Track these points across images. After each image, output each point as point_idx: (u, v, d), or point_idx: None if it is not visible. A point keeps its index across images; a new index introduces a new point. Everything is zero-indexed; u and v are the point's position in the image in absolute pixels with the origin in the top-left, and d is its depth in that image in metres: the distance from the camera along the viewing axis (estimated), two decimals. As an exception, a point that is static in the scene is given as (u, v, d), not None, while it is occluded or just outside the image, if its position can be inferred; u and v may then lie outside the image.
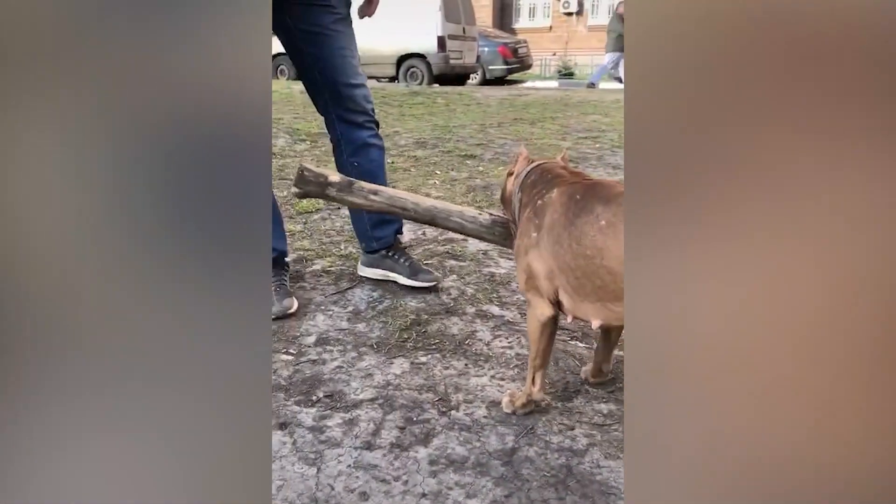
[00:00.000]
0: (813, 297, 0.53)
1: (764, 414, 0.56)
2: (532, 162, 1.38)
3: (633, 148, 0.59)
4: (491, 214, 1.52)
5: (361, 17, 1.92)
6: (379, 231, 1.98)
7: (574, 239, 1.13)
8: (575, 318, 1.22)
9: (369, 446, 1.21)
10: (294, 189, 1.54)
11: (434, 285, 1.97)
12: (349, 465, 1.15)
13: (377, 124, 1.91)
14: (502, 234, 1.47)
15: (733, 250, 0.56)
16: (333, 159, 1.94)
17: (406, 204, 1.50)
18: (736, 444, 0.57)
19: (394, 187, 3.16)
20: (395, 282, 1.99)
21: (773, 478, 0.56)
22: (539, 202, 1.24)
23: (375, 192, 1.52)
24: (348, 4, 1.83)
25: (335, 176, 1.53)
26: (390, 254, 2.00)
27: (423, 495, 1.08)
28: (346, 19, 1.82)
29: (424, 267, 2.01)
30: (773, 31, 0.53)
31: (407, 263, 1.99)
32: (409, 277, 1.97)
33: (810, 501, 0.55)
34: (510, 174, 1.41)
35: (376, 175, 1.89)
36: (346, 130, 1.85)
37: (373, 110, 1.88)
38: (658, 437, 0.59)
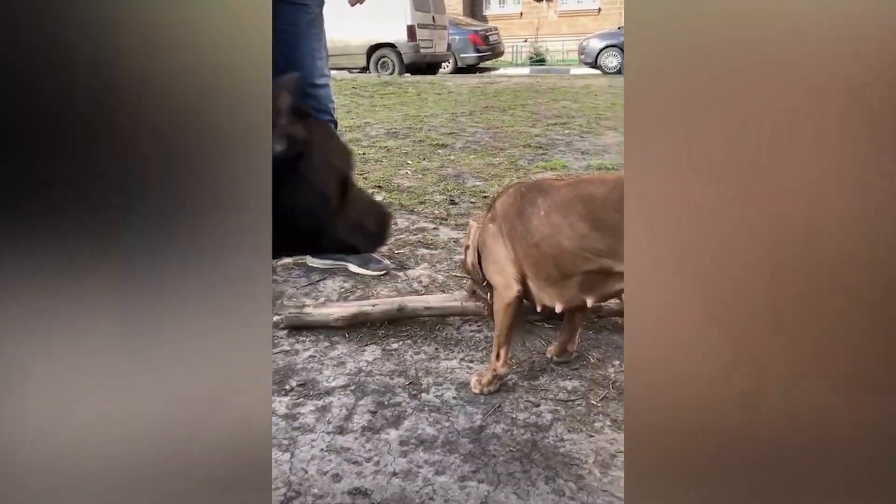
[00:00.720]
0: (813, 283, 0.55)
1: (764, 408, 0.57)
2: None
3: (632, 139, 0.60)
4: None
5: (353, 4, 1.95)
6: None
7: (524, 228, 1.23)
8: (543, 308, 1.29)
9: (342, 430, 1.24)
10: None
11: (384, 273, 2.02)
12: (322, 450, 1.19)
13: (336, 123, 1.97)
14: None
15: (733, 242, 0.57)
16: None
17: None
18: (735, 439, 0.59)
19: (365, 178, 3.19)
20: (347, 268, 2.05)
21: (771, 472, 0.58)
22: (494, 203, 1.33)
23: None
24: (321, 3, 1.84)
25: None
26: None
27: (394, 474, 1.12)
28: (319, 18, 1.83)
29: (374, 256, 2.05)
30: (773, 28, 0.55)
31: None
32: (359, 266, 2.02)
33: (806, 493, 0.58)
34: (466, 248, 1.43)
35: None
36: None
37: (334, 109, 1.93)
38: (658, 435, 0.60)
